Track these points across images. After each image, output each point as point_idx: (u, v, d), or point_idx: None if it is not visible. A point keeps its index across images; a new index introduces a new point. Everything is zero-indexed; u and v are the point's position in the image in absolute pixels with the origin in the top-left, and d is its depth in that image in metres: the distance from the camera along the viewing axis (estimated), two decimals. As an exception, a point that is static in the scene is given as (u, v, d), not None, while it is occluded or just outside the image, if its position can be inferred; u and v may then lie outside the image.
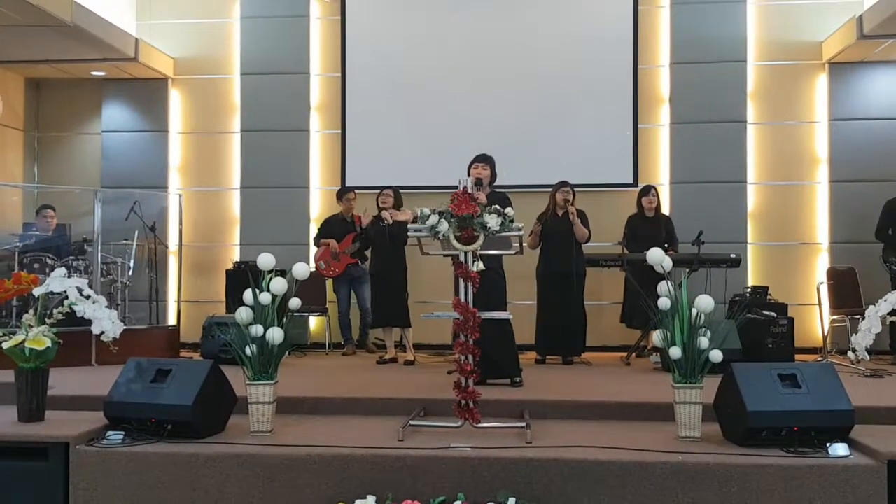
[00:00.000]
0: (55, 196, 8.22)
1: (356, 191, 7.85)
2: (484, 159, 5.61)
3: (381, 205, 7.01)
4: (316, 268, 7.72)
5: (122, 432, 3.88)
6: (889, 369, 6.27)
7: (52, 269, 5.53)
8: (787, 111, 8.29)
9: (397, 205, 6.95)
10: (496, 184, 5.71)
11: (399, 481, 3.58)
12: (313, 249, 8.51)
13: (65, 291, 4.22)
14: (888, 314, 4.04)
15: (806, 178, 8.26)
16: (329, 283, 8.01)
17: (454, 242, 4.17)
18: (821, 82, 8.26)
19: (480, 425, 4.08)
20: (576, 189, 6.96)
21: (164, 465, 3.67)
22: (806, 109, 8.28)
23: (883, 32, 7.25)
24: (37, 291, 4.22)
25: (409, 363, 6.75)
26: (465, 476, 3.56)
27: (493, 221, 4.14)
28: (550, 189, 7.02)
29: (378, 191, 7.22)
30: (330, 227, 7.76)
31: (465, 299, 4.17)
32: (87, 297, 4.28)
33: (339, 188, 8.28)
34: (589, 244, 6.96)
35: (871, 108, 8.12)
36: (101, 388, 4.37)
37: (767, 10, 8.31)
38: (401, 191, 7.19)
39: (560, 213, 6.86)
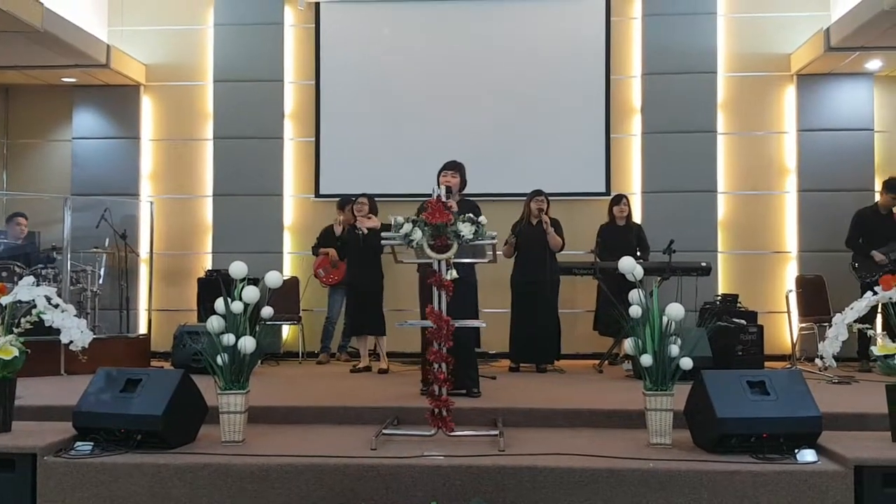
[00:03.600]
0: (24, 203, 8.11)
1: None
2: (454, 167, 5.56)
3: (356, 212, 7.00)
4: (315, 275, 7.73)
5: (91, 443, 3.83)
6: (856, 376, 6.36)
7: (21, 277, 5.45)
8: (757, 122, 8.41)
9: (372, 212, 6.95)
10: (466, 191, 5.69)
11: (372, 490, 3.57)
12: (286, 257, 8.52)
13: (33, 300, 4.16)
14: (855, 322, 4.10)
15: (775, 188, 8.38)
16: (312, 291, 7.99)
17: (428, 251, 4.18)
18: (789, 93, 8.39)
19: (454, 433, 4.08)
20: (549, 197, 7.01)
21: (134, 475, 3.62)
22: (775, 120, 8.41)
23: (849, 45, 7.39)
24: (4, 300, 4.15)
25: (382, 372, 6.73)
26: (438, 484, 3.56)
27: (466, 230, 4.16)
28: (524, 197, 7.06)
29: (353, 199, 7.21)
30: (328, 237, 7.74)
31: (439, 307, 4.18)
32: (56, 306, 4.22)
33: (312, 196, 8.27)
34: (562, 252, 7.00)
35: (839, 119, 8.26)
36: (69, 397, 4.32)
37: (737, 22, 8.43)
38: (375, 199, 7.16)
39: (534, 221, 6.89)
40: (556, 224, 6.91)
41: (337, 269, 7.61)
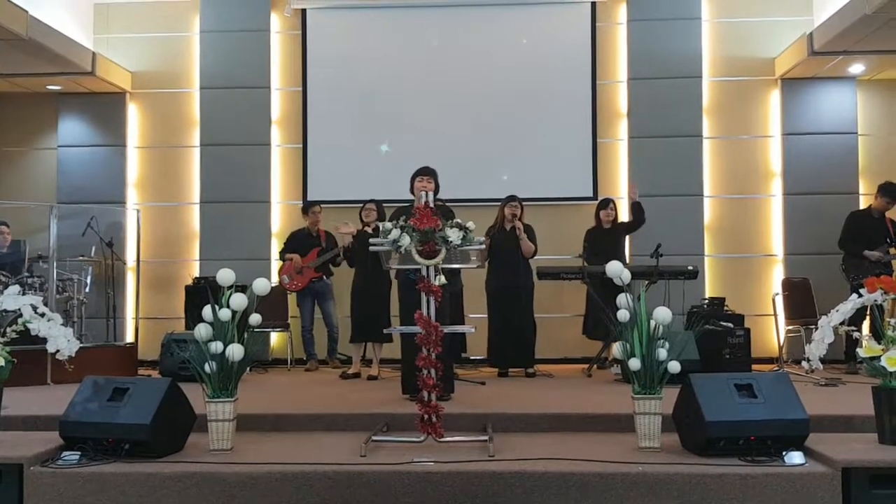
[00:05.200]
0: (10, 212, 8.06)
1: (322, 205, 7.82)
2: (428, 172, 5.59)
3: (364, 219, 6.94)
4: (279, 282, 7.69)
5: (79, 452, 3.80)
6: (843, 378, 6.40)
7: (6, 286, 5.41)
8: (742, 126, 8.47)
9: (380, 218, 6.84)
10: (444, 196, 5.69)
11: (361, 497, 3.55)
12: (275, 264, 8.49)
13: (19, 309, 4.14)
14: (842, 324, 4.13)
15: (761, 192, 8.44)
16: (291, 299, 7.97)
17: (416, 256, 4.18)
18: (774, 98, 8.45)
19: (443, 439, 4.08)
20: (537, 202, 7.03)
21: (122, 485, 3.60)
22: (760, 124, 8.47)
23: (833, 49, 7.45)
24: (-10, 309, 4.13)
25: (372, 378, 6.70)
26: (428, 491, 3.55)
27: (454, 235, 4.16)
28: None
29: (360, 205, 7.09)
30: (295, 242, 7.73)
31: (427, 313, 4.18)
32: (42, 315, 4.19)
33: (300, 202, 8.28)
34: (550, 257, 7.03)
35: (823, 123, 8.32)
36: (56, 407, 4.28)
37: (721, 27, 8.50)
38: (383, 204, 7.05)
39: (508, 227, 6.90)
40: (529, 230, 6.91)
41: (301, 275, 7.58)
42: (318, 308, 7.77)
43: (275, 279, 8.28)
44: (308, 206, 7.78)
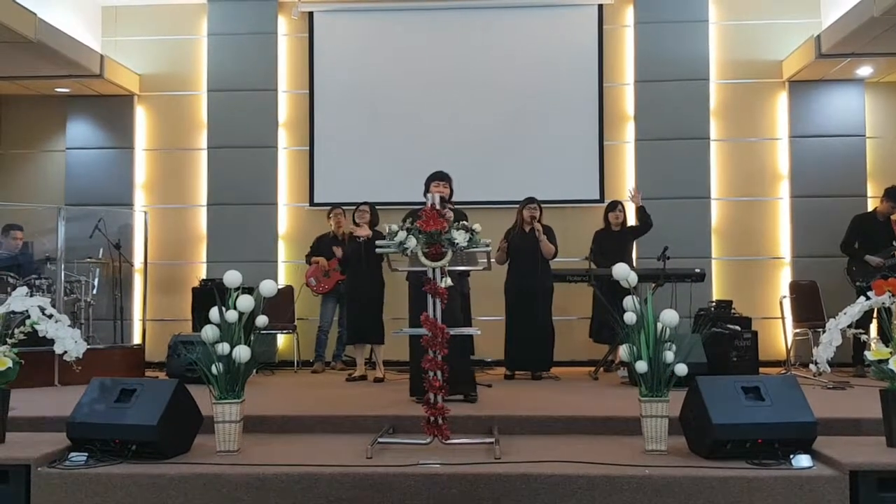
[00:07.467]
0: (18, 214, 8.09)
1: (343, 207, 7.83)
2: (443, 177, 5.63)
3: (356, 221, 6.99)
4: (307, 284, 7.73)
5: (86, 453, 3.81)
6: (851, 381, 6.37)
7: (14, 287, 5.43)
8: (749, 128, 8.45)
9: (373, 221, 6.92)
10: (453, 200, 5.71)
11: (367, 499, 3.55)
12: (281, 266, 8.53)
13: (27, 311, 4.15)
14: (849, 327, 4.11)
15: (768, 194, 8.42)
16: (299, 301, 7.99)
17: (422, 258, 4.19)
18: (781, 100, 8.43)
19: (449, 441, 4.08)
20: (543, 205, 7.02)
21: (129, 486, 3.61)
22: (767, 126, 8.45)
23: (840, 52, 7.43)
24: (-2, 311, 4.14)
25: (378, 380, 6.71)
26: (434, 493, 3.55)
27: (460, 237, 4.16)
28: (517, 205, 7.07)
29: (353, 207, 7.18)
30: (321, 245, 7.78)
31: (434, 315, 4.18)
32: (50, 317, 4.20)
33: (307, 205, 8.34)
34: (557, 259, 7.00)
35: (830, 126, 8.30)
36: (63, 408, 4.30)
37: (728, 29, 8.48)
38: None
39: (527, 229, 6.90)
40: (548, 231, 6.91)
41: (328, 277, 7.62)
42: (340, 310, 7.78)
43: (282, 281, 8.33)
44: (331, 210, 7.82)
